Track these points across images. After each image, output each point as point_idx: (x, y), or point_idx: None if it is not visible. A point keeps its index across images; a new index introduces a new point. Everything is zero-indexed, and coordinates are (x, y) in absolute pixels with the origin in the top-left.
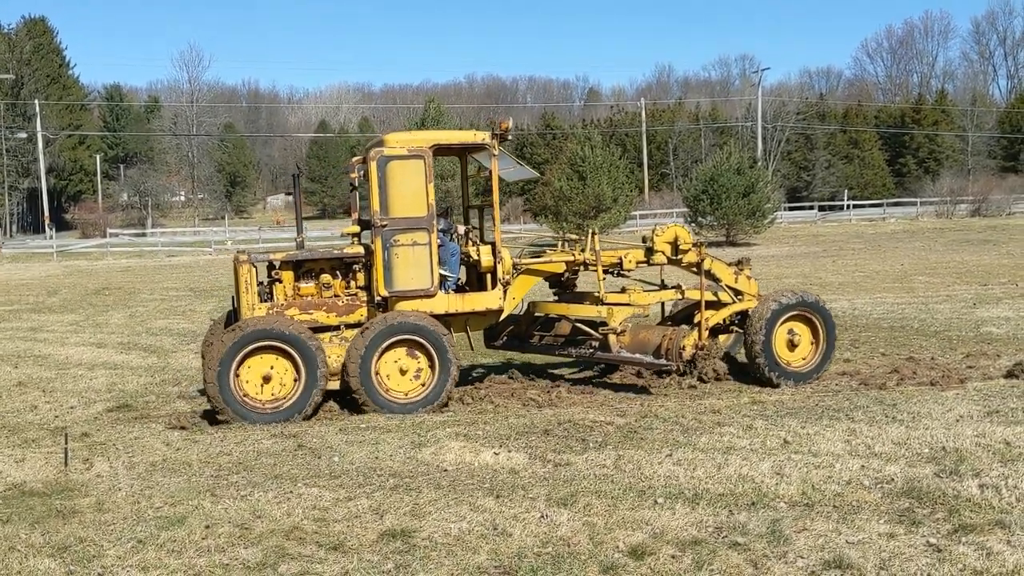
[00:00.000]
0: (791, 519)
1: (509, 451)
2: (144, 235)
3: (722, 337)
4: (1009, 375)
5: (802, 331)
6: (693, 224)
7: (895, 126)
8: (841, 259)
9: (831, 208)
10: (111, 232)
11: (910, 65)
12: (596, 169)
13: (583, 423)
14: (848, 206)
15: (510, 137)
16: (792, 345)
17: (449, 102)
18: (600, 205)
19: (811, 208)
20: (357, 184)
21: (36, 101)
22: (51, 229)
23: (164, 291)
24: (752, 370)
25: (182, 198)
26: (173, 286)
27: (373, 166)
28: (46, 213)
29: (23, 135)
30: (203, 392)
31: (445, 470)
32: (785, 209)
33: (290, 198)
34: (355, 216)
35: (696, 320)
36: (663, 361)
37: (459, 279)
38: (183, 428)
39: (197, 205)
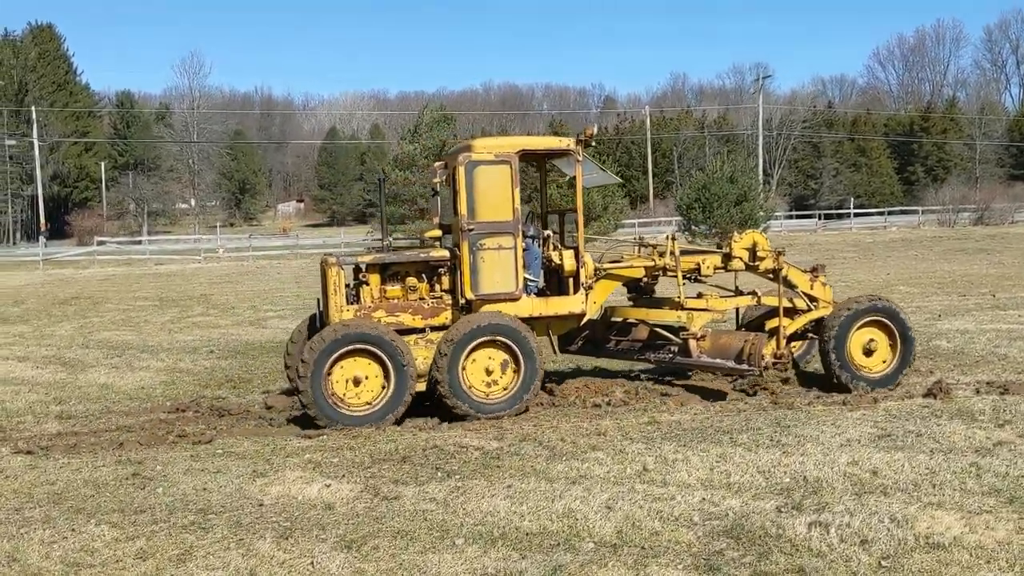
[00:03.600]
0: (579, 564)
1: (344, 482)
2: (134, 243)
3: (794, 344)
4: (928, 394)
5: (879, 337)
6: (686, 232)
7: (904, 134)
8: (830, 268)
9: (835, 216)
10: (99, 240)
11: (922, 73)
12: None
13: (451, 448)
14: (851, 214)
15: (594, 143)
16: (868, 351)
17: (464, 109)
18: (590, 213)
19: (812, 216)
20: (439, 189)
21: (32, 108)
22: (44, 236)
23: (132, 301)
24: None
25: (191, 205)
26: (145, 295)
27: (461, 171)
28: (41, 220)
29: (12, 141)
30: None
31: (261, 504)
32: (787, 217)
33: (301, 205)
34: (436, 220)
35: (771, 327)
36: (745, 366)
37: (539, 283)
38: (29, 453)
39: (198, 213)
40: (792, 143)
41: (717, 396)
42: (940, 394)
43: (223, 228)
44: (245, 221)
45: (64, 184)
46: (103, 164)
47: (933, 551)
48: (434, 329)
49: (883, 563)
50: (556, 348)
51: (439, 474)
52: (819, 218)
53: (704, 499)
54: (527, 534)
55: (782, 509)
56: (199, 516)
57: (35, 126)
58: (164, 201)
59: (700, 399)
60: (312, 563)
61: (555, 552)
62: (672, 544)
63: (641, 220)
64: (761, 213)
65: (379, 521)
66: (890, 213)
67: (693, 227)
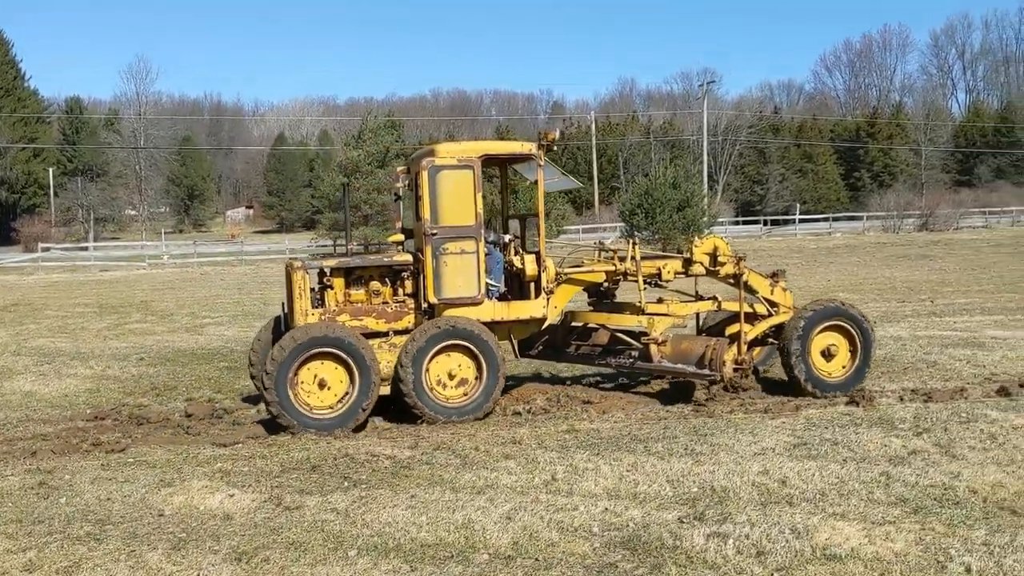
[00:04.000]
0: None
1: (248, 492)
2: (79, 249)
3: (755, 351)
4: (850, 402)
5: (839, 341)
6: (629, 239)
7: (850, 140)
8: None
9: (782, 223)
10: (43, 247)
11: (869, 79)
12: (531, 184)
13: (363, 456)
14: (796, 220)
15: (555, 148)
16: (829, 355)
17: (413, 115)
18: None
19: (757, 222)
20: (402, 194)
21: None
22: None
23: (72, 308)
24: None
25: (140, 211)
26: (85, 302)
27: (424, 175)
28: None
29: None
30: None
31: (161, 514)
32: (732, 223)
33: (250, 211)
34: (399, 224)
35: (732, 332)
36: (706, 371)
37: (501, 288)
38: None
39: (146, 219)
40: (738, 149)
41: (645, 402)
42: (863, 402)
43: (172, 235)
44: (194, 227)
45: (12, 190)
46: (51, 170)
47: (829, 562)
48: (397, 333)
49: (776, 574)
50: (517, 352)
51: (346, 483)
52: (763, 224)
53: (607, 509)
54: (422, 545)
55: (684, 520)
56: (96, 527)
57: None
58: (112, 207)
59: (622, 407)
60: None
61: (447, 564)
62: (567, 555)
63: (586, 226)
64: (704, 219)
65: (276, 532)
66: (835, 219)
67: (636, 233)
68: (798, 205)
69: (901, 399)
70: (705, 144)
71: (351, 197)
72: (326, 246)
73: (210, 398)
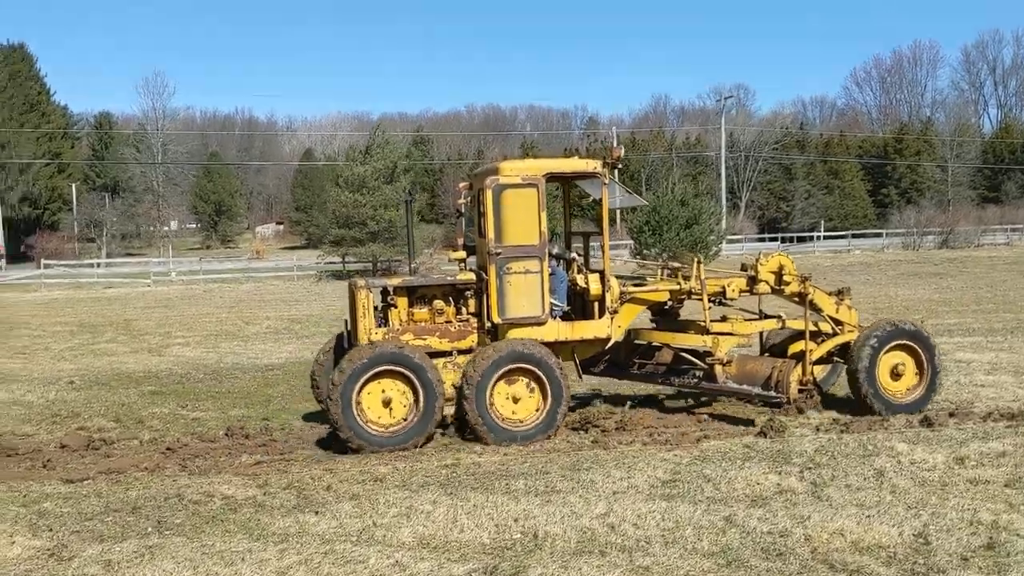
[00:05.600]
0: None
1: (39, 538)
2: (84, 266)
3: (817, 369)
4: (760, 433)
5: (906, 361)
6: (637, 256)
7: (878, 156)
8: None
9: (802, 239)
10: (45, 263)
11: (899, 95)
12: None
13: (197, 496)
14: (817, 237)
15: (620, 166)
16: (896, 375)
17: (447, 130)
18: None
19: (776, 240)
20: (464, 210)
21: None
22: (1, 260)
23: (50, 326)
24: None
25: (170, 227)
26: (67, 320)
27: (488, 194)
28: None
29: None
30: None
31: None
32: (755, 240)
33: (280, 227)
34: (461, 241)
35: (795, 351)
36: (772, 393)
37: (564, 307)
38: None
39: (168, 236)
40: (761, 165)
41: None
42: (771, 432)
43: (199, 250)
44: (222, 243)
45: (35, 206)
46: (74, 186)
47: None
48: (461, 352)
49: None
50: (580, 372)
51: (151, 529)
52: (781, 241)
53: (397, 563)
54: None
55: (473, 574)
56: None
57: None
58: (138, 223)
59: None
60: None
61: None
62: None
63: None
64: (712, 237)
65: None
66: (855, 236)
67: (644, 251)
68: (822, 222)
69: (818, 429)
70: (723, 160)
71: (360, 213)
72: (333, 263)
73: (100, 427)
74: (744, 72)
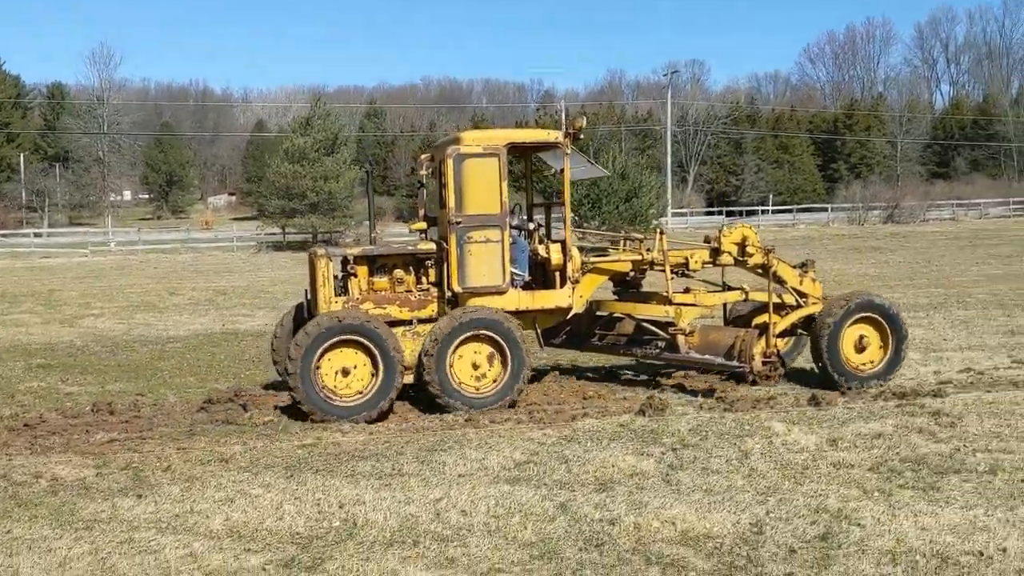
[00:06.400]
0: None
1: None
2: (21, 236)
3: (780, 341)
4: (639, 411)
5: (870, 334)
6: (577, 230)
7: (828, 132)
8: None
9: (745, 213)
10: None
11: (852, 71)
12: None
13: (23, 478)
14: (760, 211)
15: (582, 136)
16: (860, 348)
17: (402, 103)
18: None
19: (719, 214)
20: (425, 181)
21: None
22: None
23: None
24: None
25: (122, 198)
26: None
27: (449, 163)
28: None
29: None
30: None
31: None
32: (701, 214)
33: (233, 198)
34: (422, 212)
35: (759, 323)
36: (735, 363)
37: (526, 277)
38: None
39: (116, 206)
40: (710, 139)
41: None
42: (650, 411)
43: (150, 221)
44: (173, 214)
45: None
46: (23, 156)
47: None
48: (421, 321)
49: None
50: (541, 341)
51: None
52: (727, 215)
53: (191, 553)
54: None
55: (266, 566)
56: None
57: None
58: (86, 193)
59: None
60: None
61: None
62: None
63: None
64: (651, 210)
65: None
66: (801, 211)
67: (584, 224)
68: (771, 196)
69: (701, 407)
70: (668, 134)
71: (299, 184)
72: (274, 234)
73: None
74: (701, 47)
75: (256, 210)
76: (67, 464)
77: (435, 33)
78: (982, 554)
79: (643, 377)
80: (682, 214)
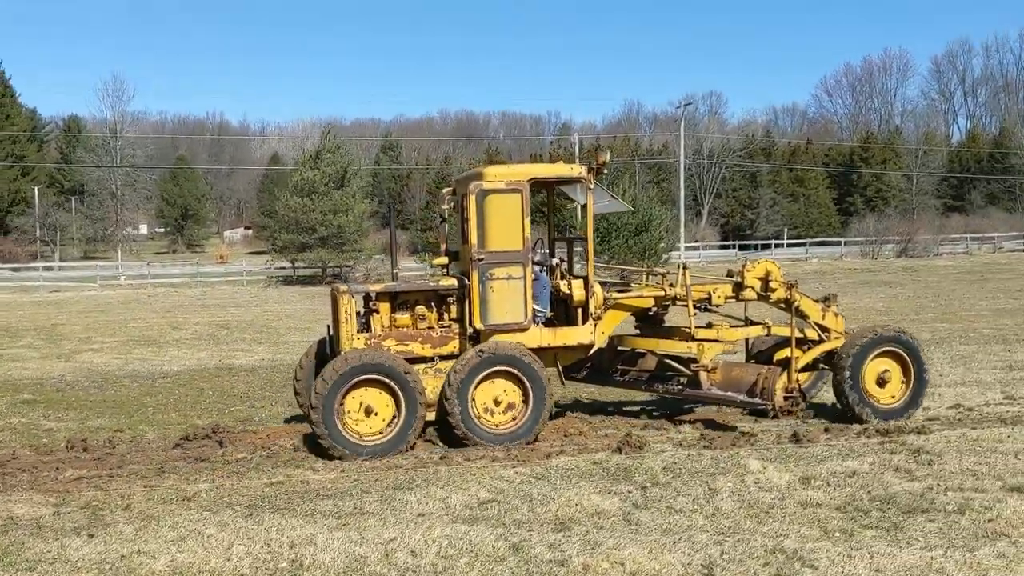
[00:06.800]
0: None
1: None
2: (30, 269)
3: (802, 376)
4: (618, 449)
5: (892, 368)
6: (600, 265)
7: (844, 164)
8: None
9: (758, 247)
10: None
11: (869, 103)
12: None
13: None
14: (775, 245)
15: (606, 171)
16: (882, 382)
17: (420, 135)
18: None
19: (732, 247)
20: (447, 215)
21: None
22: None
23: None
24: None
25: (139, 231)
26: None
27: (472, 199)
28: None
29: None
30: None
31: None
32: (716, 247)
33: (249, 232)
34: (444, 247)
35: (780, 357)
36: (757, 400)
37: (547, 313)
38: None
39: (130, 240)
40: (724, 172)
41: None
42: (627, 448)
43: (165, 255)
44: (188, 248)
45: None
46: (36, 189)
47: None
48: (443, 358)
49: None
50: (562, 377)
51: None
52: (740, 248)
53: None
54: None
55: None
56: None
57: None
58: (103, 226)
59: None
60: None
61: None
62: None
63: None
64: (662, 244)
65: None
66: (815, 244)
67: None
68: (786, 230)
69: (680, 444)
70: (682, 167)
71: (309, 218)
72: (284, 268)
73: None
74: (719, 80)
75: (270, 244)
76: (27, 503)
77: (454, 66)
78: None
79: (636, 409)
80: (695, 247)
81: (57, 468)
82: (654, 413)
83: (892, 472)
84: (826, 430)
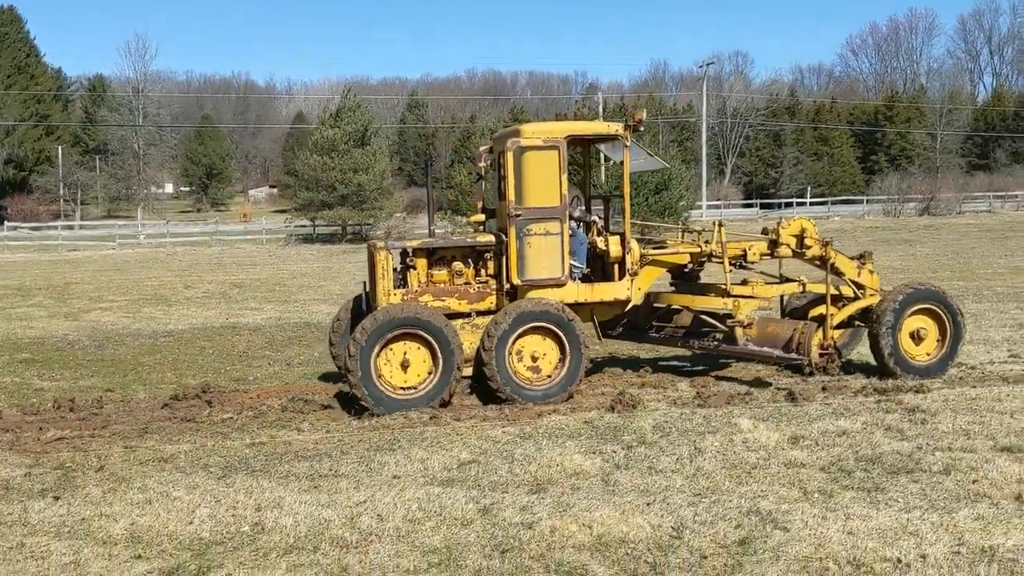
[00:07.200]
0: None
1: None
2: (50, 228)
3: (836, 333)
4: (611, 408)
5: (928, 325)
6: (636, 223)
7: (869, 123)
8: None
9: (788, 205)
10: (9, 225)
11: (895, 63)
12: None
13: None
14: (797, 203)
15: (642, 128)
16: (918, 339)
17: (447, 94)
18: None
19: (754, 206)
20: (484, 173)
21: None
22: None
23: None
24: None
25: (164, 191)
26: (9, 284)
27: (509, 156)
28: None
29: None
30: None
31: None
32: (739, 206)
33: (274, 191)
34: (480, 204)
35: (815, 314)
36: (793, 355)
37: (584, 269)
38: None
39: (152, 199)
40: (748, 131)
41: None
42: (620, 407)
43: (190, 213)
44: (213, 207)
45: (20, 168)
46: (60, 148)
47: None
48: (480, 314)
49: None
50: (599, 334)
51: None
52: (761, 207)
53: (75, 561)
54: None
55: (149, 575)
56: None
57: None
58: (127, 185)
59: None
60: None
61: None
62: None
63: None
64: (682, 202)
65: None
66: (837, 203)
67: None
68: (810, 188)
69: (675, 403)
70: (704, 126)
71: (328, 176)
72: (304, 226)
73: None
74: (747, 39)
75: (293, 203)
76: (2, 463)
77: (482, 25)
78: (900, 561)
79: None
80: (716, 206)
81: (40, 428)
82: (654, 368)
83: (883, 431)
84: (823, 388)
